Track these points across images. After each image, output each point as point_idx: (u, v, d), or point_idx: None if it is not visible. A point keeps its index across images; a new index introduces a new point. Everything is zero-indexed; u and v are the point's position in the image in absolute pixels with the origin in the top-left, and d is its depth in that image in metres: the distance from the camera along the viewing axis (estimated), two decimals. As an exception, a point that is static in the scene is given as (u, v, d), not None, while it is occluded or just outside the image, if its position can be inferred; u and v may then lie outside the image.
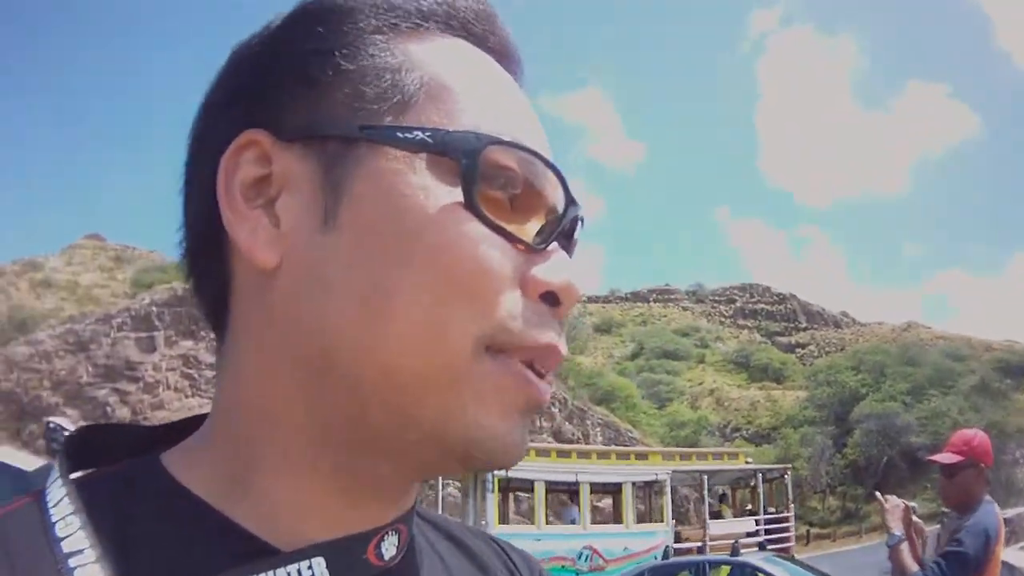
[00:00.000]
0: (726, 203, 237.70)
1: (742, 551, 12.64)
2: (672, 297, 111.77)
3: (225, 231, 0.54)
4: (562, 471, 18.21)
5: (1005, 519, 3.75)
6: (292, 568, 0.51)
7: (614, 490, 19.74)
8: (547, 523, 18.25)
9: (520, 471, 16.66)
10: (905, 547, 3.50)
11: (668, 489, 19.86)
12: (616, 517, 19.71)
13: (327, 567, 0.53)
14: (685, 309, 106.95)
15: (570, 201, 0.57)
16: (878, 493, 3.92)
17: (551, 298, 0.54)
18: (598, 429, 41.37)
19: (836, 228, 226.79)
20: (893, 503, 3.66)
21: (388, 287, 0.50)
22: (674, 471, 20.30)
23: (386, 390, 0.51)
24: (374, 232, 0.51)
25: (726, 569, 12.32)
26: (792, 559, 13.95)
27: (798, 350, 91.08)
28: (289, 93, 0.55)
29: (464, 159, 0.52)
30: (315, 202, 0.53)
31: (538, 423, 29.99)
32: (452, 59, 0.56)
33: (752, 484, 22.52)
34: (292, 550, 0.52)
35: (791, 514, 22.27)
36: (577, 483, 18.22)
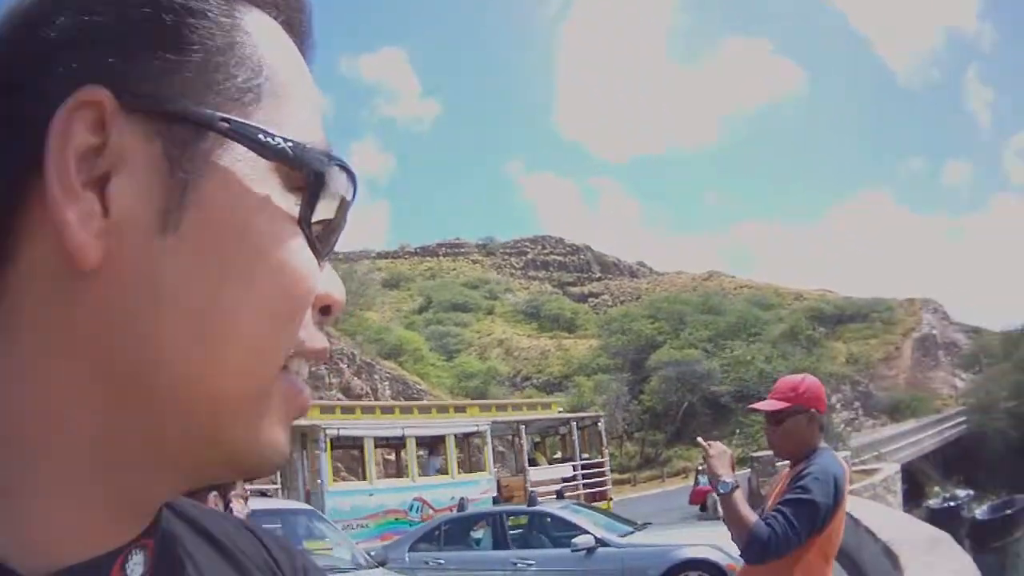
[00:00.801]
0: (520, 157, 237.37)
1: (539, 500, 12.65)
2: (462, 251, 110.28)
3: (28, 198, 0.44)
4: (388, 427, 18.85)
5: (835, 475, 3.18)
6: None
7: (438, 442, 20.08)
8: (384, 476, 19.00)
9: (349, 428, 17.57)
10: (739, 495, 3.17)
11: (489, 440, 20.29)
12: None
13: None
14: (475, 262, 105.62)
15: (343, 207, 0.52)
16: (700, 439, 3.60)
17: (326, 309, 0.53)
18: (387, 383, 38.64)
19: (631, 180, 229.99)
20: (719, 448, 3.36)
21: (228, 306, 0.46)
22: (493, 422, 20.74)
23: (201, 413, 0.46)
24: (218, 243, 0.46)
25: (525, 518, 12.39)
26: (598, 509, 13.88)
27: (591, 300, 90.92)
28: (144, 48, 0.45)
29: (312, 177, 0.49)
30: (154, 195, 0.44)
31: (327, 379, 29.46)
32: (280, 46, 0.51)
33: (562, 432, 23.08)
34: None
35: (606, 460, 22.72)
36: (403, 437, 18.79)
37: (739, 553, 3.12)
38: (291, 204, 0.48)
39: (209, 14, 0.46)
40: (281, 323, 0.48)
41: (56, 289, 0.44)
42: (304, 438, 16.54)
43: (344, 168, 0.51)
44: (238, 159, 0.46)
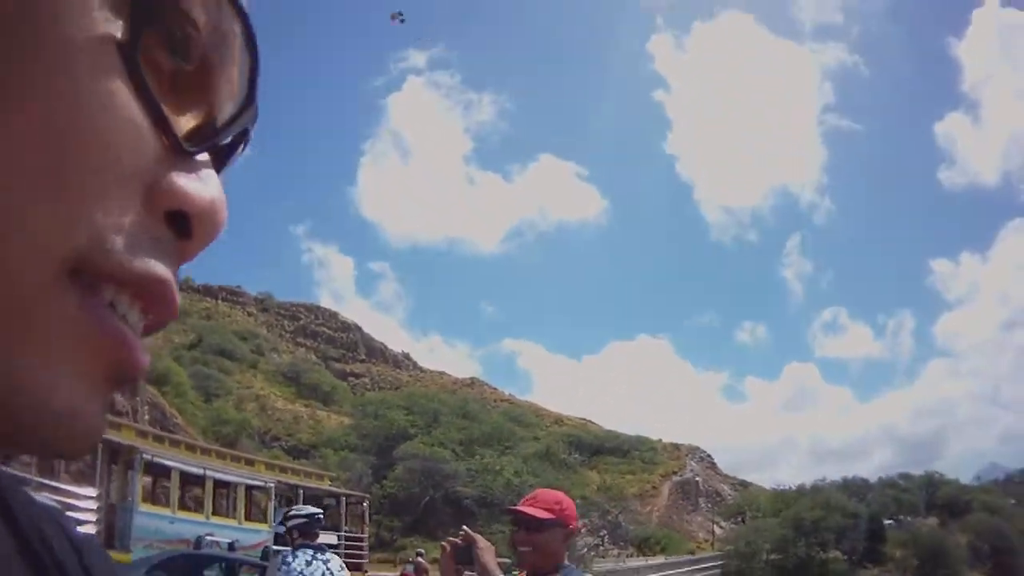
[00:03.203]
0: (308, 221, 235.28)
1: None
2: (241, 300, 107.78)
3: None
4: (193, 465, 19.92)
5: None
6: None
7: (231, 488, 21.41)
8: (180, 508, 19.47)
9: (161, 458, 18.64)
10: None
11: (273, 495, 21.77)
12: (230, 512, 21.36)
13: None
14: (250, 314, 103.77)
15: (250, 100, 0.43)
16: (465, 528, 3.47)
17: (180, 223, 0.41)
18: (146, 407, 38.87)
19: (410, 271, 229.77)
20: (486, 543, 3.32)
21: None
22: (277, 481, 22.57)
23: None
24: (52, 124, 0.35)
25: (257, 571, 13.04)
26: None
27: (352, 379, 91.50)
28: None
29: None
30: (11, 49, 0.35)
31: None
32: None
33: (327, 504, 24.33)
34: None
35: (366, 536, 25.63)
36: (204, 476, 19.94)
37: None
38: (114, 23, 0.37)
39: None
40: (39, 188, 0.34)
41: None
42: (116, 454, 17.54)
43: None
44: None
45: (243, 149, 0.46)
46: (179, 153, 0.39)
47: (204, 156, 0.42)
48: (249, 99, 0.43)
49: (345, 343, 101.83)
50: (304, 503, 23.79)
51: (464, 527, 3.51)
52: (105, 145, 0.35)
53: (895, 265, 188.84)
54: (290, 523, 6.64)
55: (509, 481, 47.93)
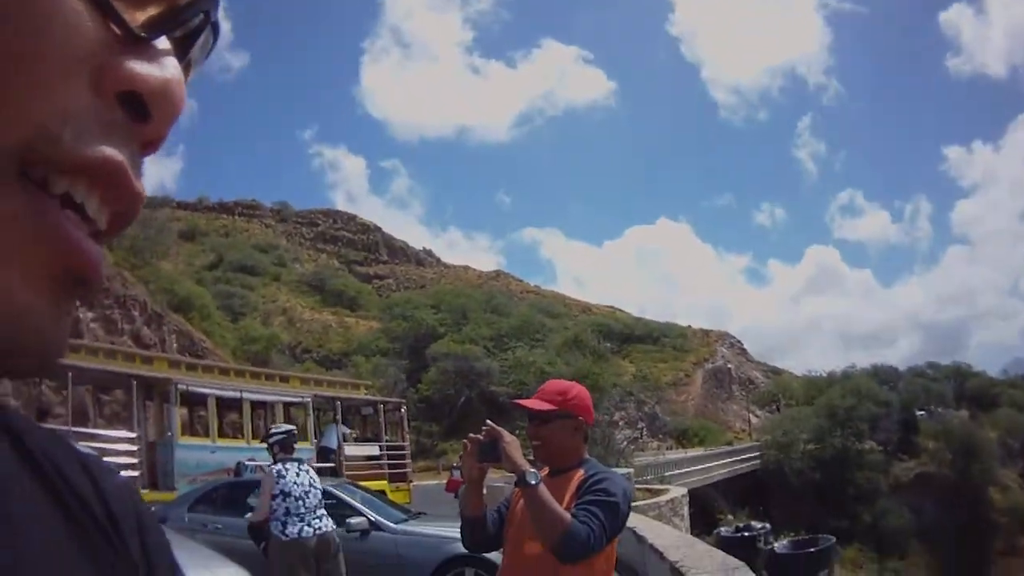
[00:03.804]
0: (316, 125, 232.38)
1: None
2: (257, 213, 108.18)
3: None
4: (229, 388, 19.35)
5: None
6: None
7: (349, 411, 21.82)
8: (219, 436, 19.14)
9: (196, 386, 18.09)
10: (544, 488, 2.88)
11: (311, 411, 21.17)
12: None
13: None
14: (268, 226, 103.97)
15: None
16: (490, 422, 3.10)
17: (136, 105, 0.41)
18: (174, 336, 37.85)
19: (421, 165, 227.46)
20: (511, 436, 3.05)
21: None
22: (314, 395, 21.71)
23: None
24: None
25: None
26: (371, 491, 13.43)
27: (376, 281, 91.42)
28: None
29: None
30: None
31: (119, 324, 27.10)
32: None
33: (365, 413, 24.22)
34: None
35: (407, 444, 23.99)
36: (241, 399, 19.43)
37: (550, 549, 2.82)
38: None
39: None
40: None
41: None
42: (150, 389, 17.01)
43: None
44: None
45: (209, 36, 0.46)
46: (132, 40, 0.39)
47: (163, 43, 0.42)
48: None
49: (366, 245, 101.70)
50: (342, 414, 23.63)
51: (488, 421, 3.22)
52: (45, 33, 0.36)
53: (908, 150, 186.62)
54: (272, 439, 7.43)
55: (543, 372, 46.59)
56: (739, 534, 26.99)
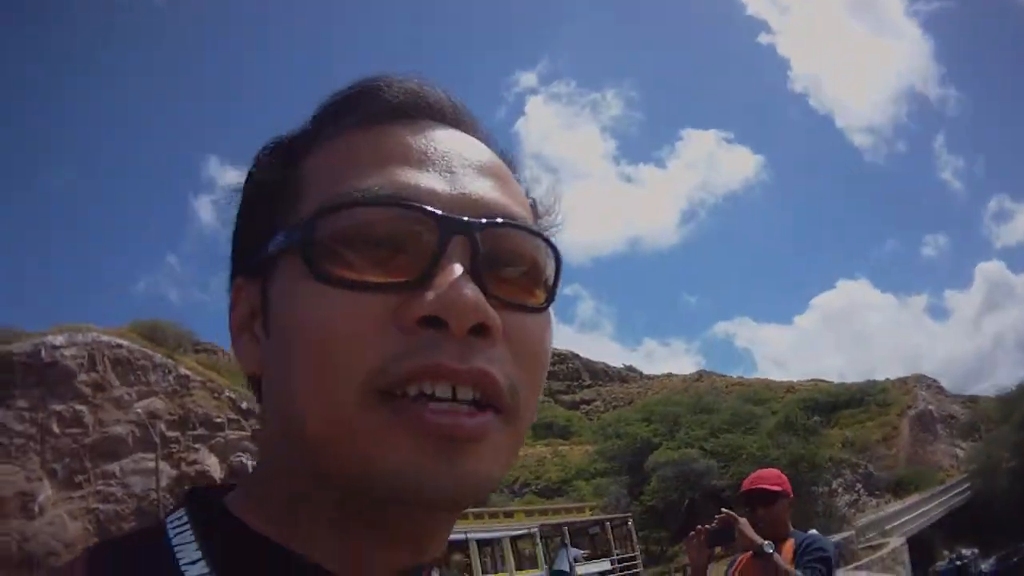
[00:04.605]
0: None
1: None
2: None
3: None
4: (455, 531, 20.02)
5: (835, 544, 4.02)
6: None
7: (579, 534, 23.22)
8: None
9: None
10: (779, 555, 3.52)
11: (539, 540, 22.60)
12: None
13: None
14: None
15: (443, 225, 0.58)
16: (725, 510, 3.76)
17: (435, 321, 0.56)
18: None
19: (600, 285, 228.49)
20: (743, 519, 3.66)
21: (285, 365, 0.59)
22: (541, 525, 23.14)
23: (313, 452, 0.58)
24: (279, 328, 0.61)
25: None
26: None
27: (584, 406, 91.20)
28: (244, 240, 0.68)
29: (301, 242, 0.59)
30: (263, 318, 0.65)
31: None
32: (340, 152, 0.65)
33: (592, 532, 25.92)
34: None
35: (638, 555, 26.57)
36: (467, 540, 21.12)
37: None
38: (307, 269, 0.59)
39: (268, 198, 0.67)
40: (323, 365, 0.56)
41: (264, 388, 0.66)
42: None
43: (350, 205, 0.59)
44: (280, 266, 0.63)
45: (505, 237, 0.63)
46: (417, 285, 0.57)
47: (450, 269, 0.57)
48: (444, 225, 0.59)
49: (567, 374, 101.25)
50: (571, 537, 23.73)
51: (723, 509, 3.79)
52: (335, 330, 0.57)
53: None
54: None
55: (757, 458, 45.46)
56: (952, 565, 29.12)
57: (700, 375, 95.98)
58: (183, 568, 0.59)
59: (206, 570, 0.58)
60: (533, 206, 0.72)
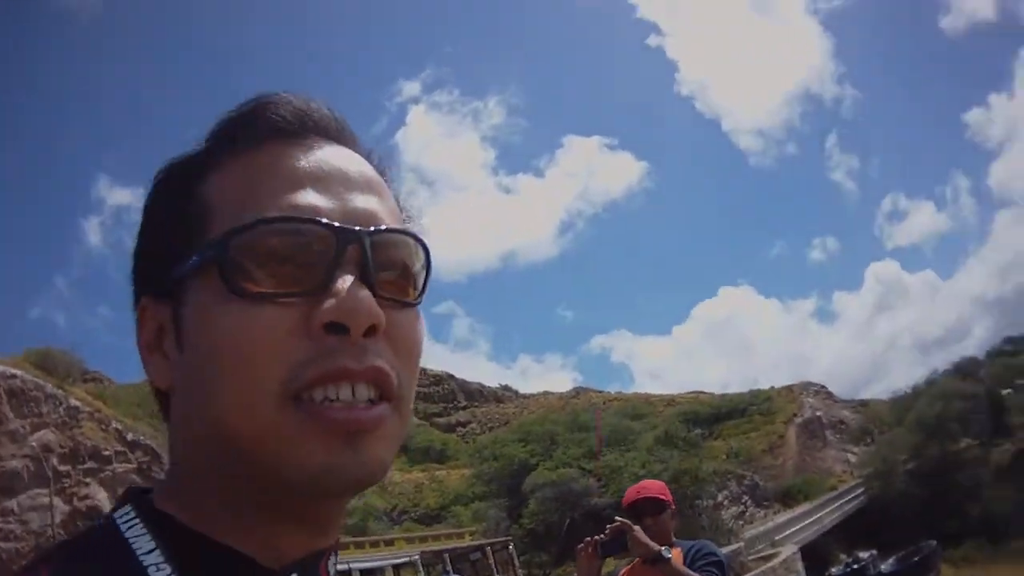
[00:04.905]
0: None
1: None
2: None
3: None
4: (340, 561, 19.01)
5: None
6: None
7: (377, 573, 22.00)
8: None
9: None
10: (676, 560, 3.58)
11: (420, 568, 22.56)
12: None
13: None
14: None
15: (339, 236, 0.66)
16: (618, 518, 3.73)
17: (337, 327, 0.64)
18: None
19: (475, 302, 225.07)
20: (636, 526, 3.68)
21: (206, 378, 0.65)
22: (421, 552, 23.34)
23: (236, 454, 0.64)
24: (195, 344, 0.66)
25: None
26: None
27: (460, 429, 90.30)
28: (148, 261, 0.74)
29: (216, 260, 0.65)
30: (175, 336, 0.69)
31: None
32: (239, 173, 0.71)
33: (473, 559, 26.17)
34: (280, 567, 0.67)
35: None
36: (350, 570, 19.98)
37: None
38: (223, 285, 0.65)
39: (174, 211, 0.72)
40: (239, 372, 0.63)
41: (174, 401, 0.71)
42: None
43: (255, 224, 0.65)
44: (192, 284, 0.68)
45: (390, 243, 0.71)
46: (320, 294, 0.65)
47: (346, 279, 0.66)
48: (341, 235, 0.67)
49: (442, 395, 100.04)
50: (452, 564, 22.85)
51: (617, 517, 3.74)
52: (250, 341, 0.63)
53: (932, 128, 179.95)
54: None
55: (638, 475, 45.41)
56: (848, 569, 28.41)
57: (577, 392, 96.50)
58: (140, 558, 0.64)
59: (160, 559, 0.64)
60: (404, 214, 0.80)
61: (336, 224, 0.67)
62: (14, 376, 26.41)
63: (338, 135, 0.76)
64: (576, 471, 55.28)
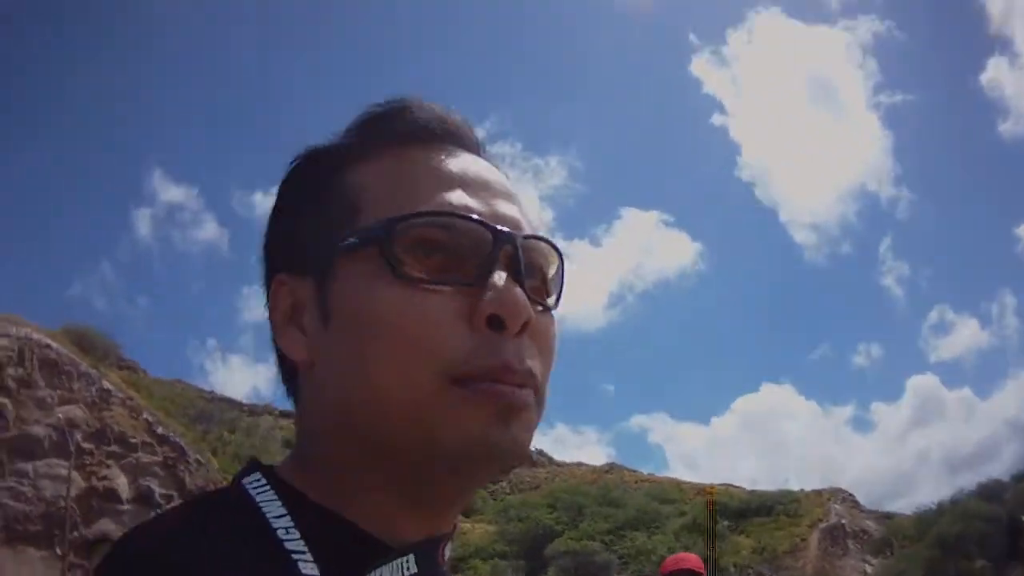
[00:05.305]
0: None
1: None
2: None
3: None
4: None
5: None
6: (399, 562, 0.67)
7: None
8: None
9: None
10: None
11: None
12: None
13: (415, 563, 0.69)
14: None
15: (496, 236, 0.69)
16: None
17: (496, 322, 0.66)
18: None
19: None
20: None
21: (365, 351, 0.67)
22: None
23: (389, 427, 0.66)
24: (348, 319, 0.68)
25: None
26: None
27: (490, 486, 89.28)
28: (287, 239, 0.76)
29: (380, 245, 0.67)
30: (318, 310, 0.71)
31: None
32: (390, 168, 0.73)
33: None
34: (396, 548, 0.68)
35: None
36: None
37: None
38: (386, 269, 0.68)
39: (327, 190, 0.75)
40: (402, 355, 0.66)
41: (307, 377, 0.74)
42: None
43: (420, 215, 0.69)
44: (347, 262, 0.70)
45: (537, 248, 0.74)
46: (477, 287, 0.68)
47: (499, 275, 0.68)
48: (496, 235, 0.69)
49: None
50: None
51: None
52: (416, 325, 0.66)
53: (983, 242, 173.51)
54: None
55: (662, 557, 44.88)
56: None
57: (610, 467, 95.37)
58: (270, 520, 0.66)
59: (290, 523, 0.66)
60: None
61: (495, 225, 0.69)
62: (48, 346, 27.52)
63: (475, 146, 0.79)
64: (599, 545, 55.34)
